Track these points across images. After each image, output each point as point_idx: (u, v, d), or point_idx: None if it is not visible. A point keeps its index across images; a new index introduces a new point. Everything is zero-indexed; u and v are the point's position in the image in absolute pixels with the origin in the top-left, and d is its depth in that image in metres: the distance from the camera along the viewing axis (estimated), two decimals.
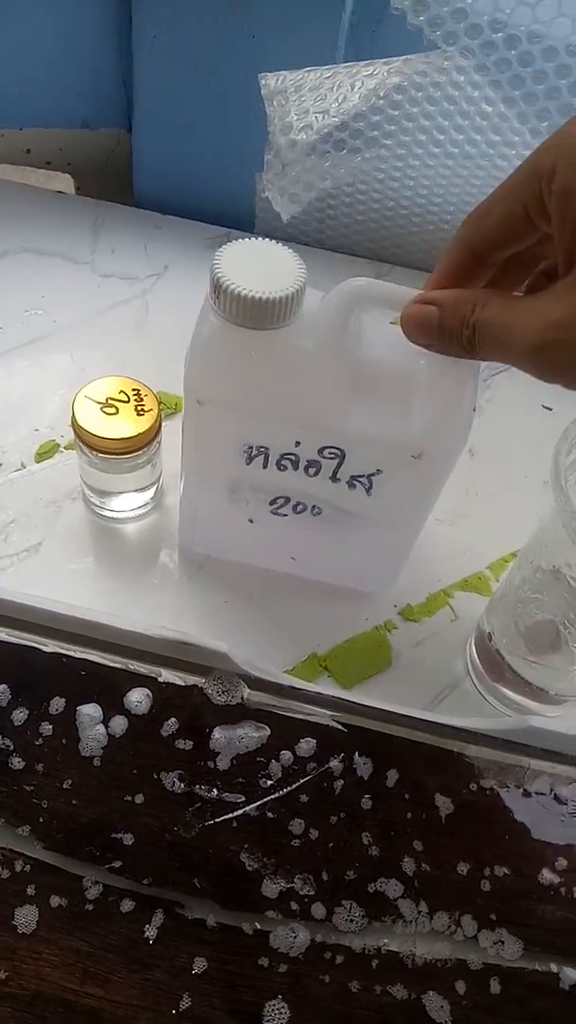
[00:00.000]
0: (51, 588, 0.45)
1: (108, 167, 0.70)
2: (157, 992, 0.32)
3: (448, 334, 0.30)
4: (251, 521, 0.42)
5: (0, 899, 0.33)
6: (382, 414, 0.35)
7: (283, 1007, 0.33)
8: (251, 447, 0.37)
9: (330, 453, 0.37)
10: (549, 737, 0.40)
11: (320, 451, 0.37)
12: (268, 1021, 0.32)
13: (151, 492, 0.48)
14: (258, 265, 0.33)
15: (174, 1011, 0.32)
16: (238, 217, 0.67)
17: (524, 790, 0.39)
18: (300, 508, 0.41)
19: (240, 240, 0.35)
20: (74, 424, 0.43)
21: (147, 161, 0.65)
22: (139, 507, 0.48)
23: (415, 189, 0.58)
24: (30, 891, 0.34)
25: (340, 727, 0.40)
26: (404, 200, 0.59)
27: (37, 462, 0.50)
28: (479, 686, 0.45)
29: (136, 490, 0.47)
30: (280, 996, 0.33)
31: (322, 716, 0.40)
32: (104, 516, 0.48)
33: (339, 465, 0.37)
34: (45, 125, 0.65)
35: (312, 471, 0.38)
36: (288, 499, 0.41)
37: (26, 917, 0.33)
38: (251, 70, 0.58)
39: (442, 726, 0.40)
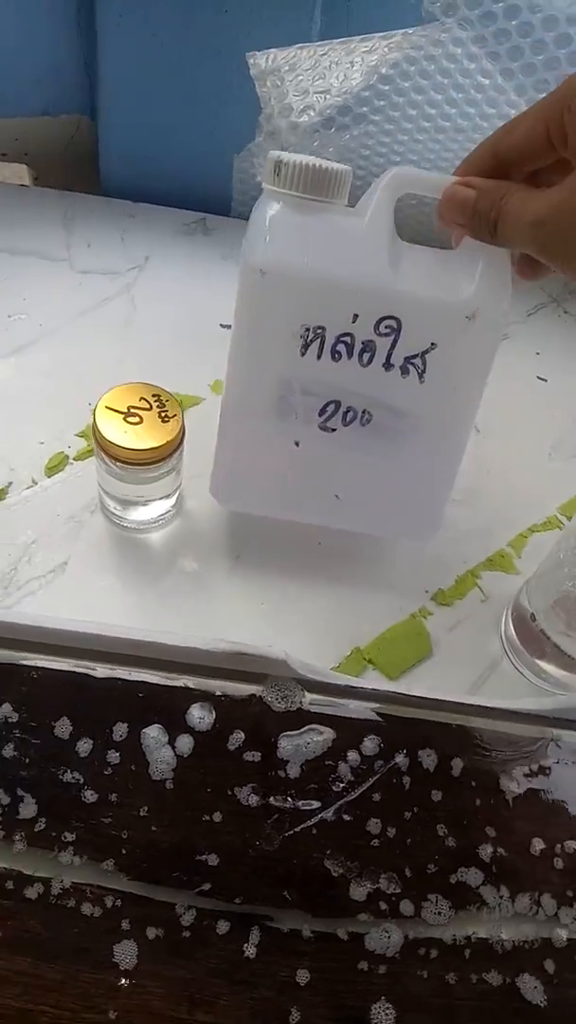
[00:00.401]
0: (84, 607, 0.43)
1: (68, 155, 0.67)
2: (265, 1010, 0.32)
3: (479, 216, 0.33)
4: (296, 444, 0.42)
5: (96, 938, 0.33)
6: (434, 276, 0.38)
7: (388, 1008, 0.33)
8: (308, 329, 0.38)
9: (386, 327, 0.38)
10: None
11: (377, 325, 0.38)
12: None
13: (174, 498, 0.47)
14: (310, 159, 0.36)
15: None
16: (213, 200, 0.65)
17: None
18: (350, 416, 0.41)
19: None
20: (97, 437, 0.41)
21: (114, 147, 0.62)
22: (163, 514, 0.47)
23: (403, 164, 0.57)
24: (125, 926, 0.33)
25: (398, 721, 0.40)
26: None
27: (48, 476, 0.48)
28: (518, 664, 0.46)
29: (161, 497, 0.45)
30: (383, 997, 0.33)
31: (378, 711, 0.40)
32: (127, 527, 0.47)
33: (394, 344, 0.38)
34: (2, 115, 0.62)
35: (367, 356, 0.39)
36: (338, 404, 0.41)
37: (126, 953, 0.33)
38: (225, 47, 0.56)
39: (498, 710, 0.41)
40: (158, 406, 0.42)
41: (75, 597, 0.44)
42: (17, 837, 0.34)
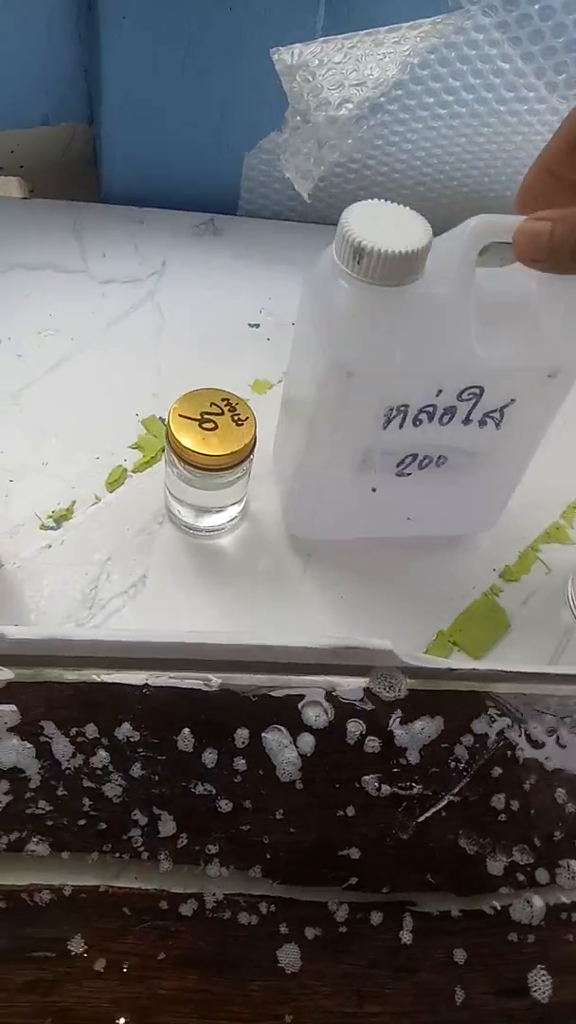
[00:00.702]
0: (172, 618, 0.43)
1: (64, 164, 0.65)
2: (432, 993, 0.33)
3: (558, 249, 0.31)
4: (374, 490, 0.42)
5: (258, 945, 0.33)
6: (517, 341, 0.36)
7: (544, 974, 0.34)
8: (391, 408, 0.37)
9: (469, 395, 0.37)
10: None
11: (460, 394, 0.37)
12: (536, 991, 0.34)
13: (244, 502, 0.47)
14: (383, 223, 0.33)
15: (452, 1009, 0.33)
16: (220, 200, 0.64)
17: None
18: (426, 462, 0.41)
19: (359, 203, 0.35)
20: (174, 445, 0.41)
21: (118, 153, 0.61)
22: (232, 519, 0.46)
23: (416, 153, 0.58)
24: (284, 930, 0.33)
25: (500, 697, 0.41)
26: (411, 168, 0.58)
27: (110, 491, 0.47)
28: None
29: (234, 503, 0.45)
30: (538, 965, 0.34)
31: (480, 690, 0.41)
32: (200, 534, 0.46)
33: (474, 406, 0.38)
34: (2, 128, 0.60)
35: (447, 418, 0.39)
36: (416, 456, 0.41)
37: (289, 956, 0.33)
38: (232, 44, 0.55)
39: None
40: (229, 410, 0.42)
41: (161, 609, 0.43)
42: (162, 856, 0.34)
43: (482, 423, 0.40)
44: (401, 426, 0.39)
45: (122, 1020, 0.30)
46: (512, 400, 0.39)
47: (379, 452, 0.40)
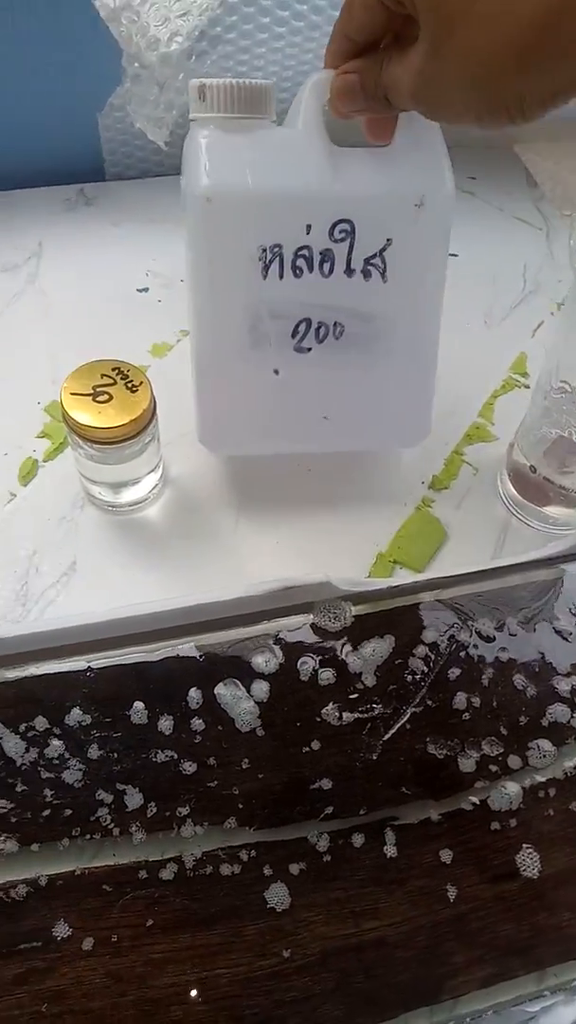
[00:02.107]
0: (109, 598, 0.42)
1: None
2: (425, 897, 0.34)
3: (369, 95, 0.33)
4: (276, 372, 0.42)
5: (245, 891, 0.33)
6: (374, 169, 0.38)
7: (531, 852, 0.35)
8: (264, 249, 0.38)
9: (340, 232, 0.38)
10: None
11: (331, 232, 0.38)
12: (525, 870, 0.34)
13: (160, 470, 0.46)
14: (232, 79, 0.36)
15: (447, 906, 0.33)
16: (85, 168, 0.62)
17: None
18: (323, 331, 0.41)
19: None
20: (72, 424, 0.40)
21: None
22: (152, 488, 0.46)
23: (267, 79, 0.56)
24: (267, 872, 0.33)
25: (445, 604, 0.41)
26: None
27: (24, 485, 0.46)
28: (526, 518, 0.47)
29: (149, 472, 0.44)
30: (523, 845, 0.35)
31: (425, 601, 0.41)
32: (123, 509, 0.45)
33: (351, 248, 0.38)
34: None
35: (327, 267, 0.39)
36: (309, 322, 0.40)
37: (278, 895, 0.33)
38: (53, 1, 0.53)
39: (524, 563, 0.42)
40: (122, 379, 0.41)
41: (95, 591, 0.43)
42: (134, 828, 0.34)
43: (366, 273, 0.39)
44: (281, 275, 0.38)
45: (123, 988, 0.31)
46: (388, 241, 0.38)
47: (267, 314, 0.40)
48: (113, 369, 0.41)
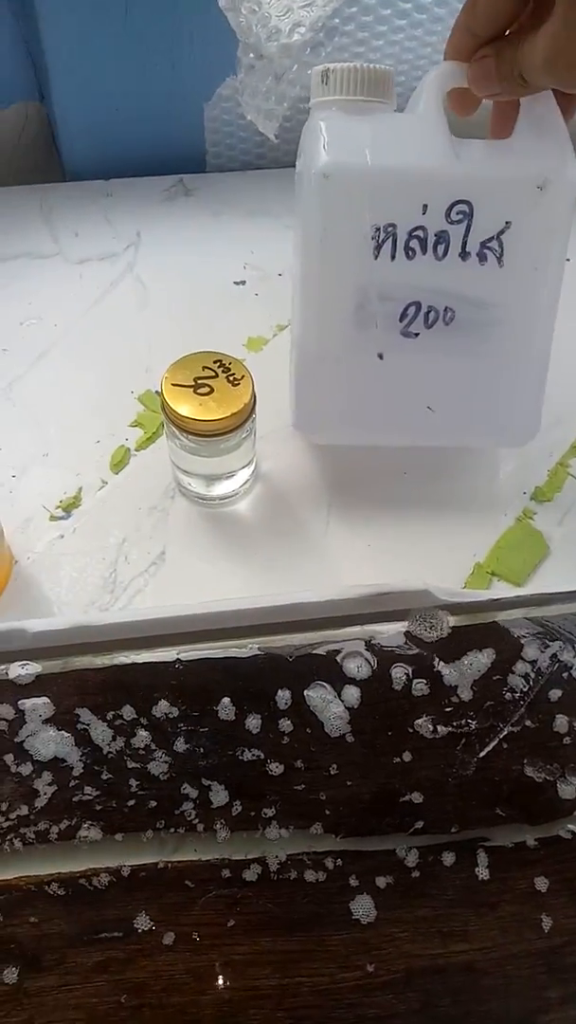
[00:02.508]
0: (197, 590, 0.42)
1: (21, 147, 0.64)
2: (517, 924, 0.32)
3: (506, 79, 0.33)
4: (380, 357, 0.40)
5: (329, 900, 0.32)
6: (496, 152, 0.37)
7: None
8: (378, 229, 0.37)
9: (458, 213, 0.37)
10: None
11: (448, 213, 0.37)
12: None
13: (253, 465, 0.45)
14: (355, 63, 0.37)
15: (541, 936, 0.32)
16: (187, 159, 0.62)
17: None
18: (432, 316, 0.40)
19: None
20: (171, 416, 0.40)
21: (74, 126, 0.59)
22: (244, 483, 0.45)
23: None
24: (353, 882, 0.32)
25: (547, 620, 0.39)
26: None
27: (116, 473, 0.46)
28: None
29: (243, 466, 0.44)
30: None
31: (527, 616, 0.39)
32: (214, 503, 0.45)
33: (468, 230, 0.37)
34: None
35: (441, 248, 0.38)
36: (419, 306, 0.39)
37: (363, 907, 0.32)
38: None
39: None
40: (224, 372, 0.40)
41: (183, 583, 0.42)
42: (218, 825, 0.33)
43: (481, 256, 0.38)
44: (393, 256, 0.38)
45: (202, 986, 0.30)
46: (507, 224, 0.37)
47: (376, 295, 0.39)
48: (215, 362, 0.41)
